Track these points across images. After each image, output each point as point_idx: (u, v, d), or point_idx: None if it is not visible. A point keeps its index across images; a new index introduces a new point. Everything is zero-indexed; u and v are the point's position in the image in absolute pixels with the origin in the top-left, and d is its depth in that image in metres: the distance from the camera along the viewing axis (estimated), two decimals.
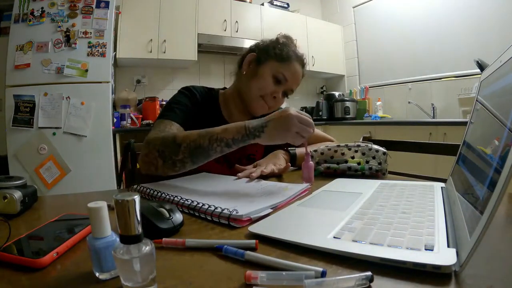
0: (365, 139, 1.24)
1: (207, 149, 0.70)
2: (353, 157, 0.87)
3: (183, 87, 0.98)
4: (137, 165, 0.85)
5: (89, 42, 2.14)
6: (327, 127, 3.36)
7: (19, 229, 0.46)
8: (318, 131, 1.10)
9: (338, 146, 0.90)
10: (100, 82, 2.16)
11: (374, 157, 0.85)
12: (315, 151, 0.91)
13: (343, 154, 0.89)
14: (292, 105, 4.25)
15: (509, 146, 0.28)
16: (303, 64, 0.97)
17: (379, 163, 0.83)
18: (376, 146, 0.86)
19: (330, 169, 0.87)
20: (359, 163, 0.85)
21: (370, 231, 0.40)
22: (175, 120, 0.85)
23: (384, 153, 0.84)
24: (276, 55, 0.93)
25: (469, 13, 2.63)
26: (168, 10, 2.77)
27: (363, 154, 0.86)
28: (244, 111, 0.99)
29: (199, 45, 2.93)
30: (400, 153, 1.10)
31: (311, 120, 0.73)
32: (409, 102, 3.04)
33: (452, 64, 2.77)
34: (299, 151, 0.99)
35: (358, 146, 0.88)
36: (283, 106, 0.96)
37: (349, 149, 0.88)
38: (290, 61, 0.92)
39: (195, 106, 0.93)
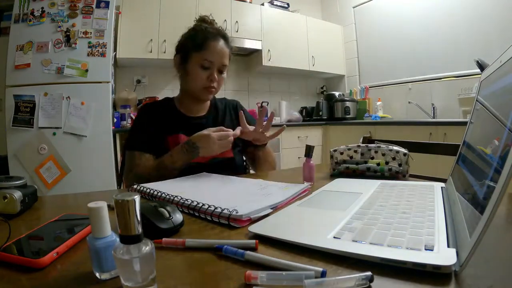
0: (365, 139, 1.23)
1: (170, 177, 0.85)
2: (372, 158, 0.86)
3: (139, 108, 1.10)
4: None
5: (89, 42, 2.14)
6: (327, 127, 3.36)
7: (19, 229, 0.46)
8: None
9: (358, 146, 0.88)
10: (100, 82, 2.16)
11: (394, 158, 0.83)
12: (335, 150, 0.90)
13: (362, 154, 0.87)
14: (292, 105, 4.24)
15: (509, 146, 0.28)
16: (224, 37, 1.01)
17: (399, 164, 0.81)
18: (396, 147, 0.84)
19: (349, 170, 0.86)
20: (378, 164, 0.83)
21: (370, 231, 0.40)
22: (137, 149, 0.98)
23: (405, 154, 0.81)
24: (193, 46, 0.98)
25: (469, 13, 2.63)
26: (168, 10, 2.77)
27: (383, 155, 0.84)
28: (197, 101, 1.07)
29: None
30: None
31: (228, 133, 0.87)
32: (409, 102, 3.04)
33: (452, 64, 2.77)
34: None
35: (379, 146, 0.86)
36: None
37: (369, 150, 0.87)
38: (207, 44, 0.97)
39: (154, 116, 1.03)
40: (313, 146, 0.78)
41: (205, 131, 0.86)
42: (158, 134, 0.99)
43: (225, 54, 1.00)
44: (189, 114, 1.07)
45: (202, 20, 1.05)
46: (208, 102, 1.13)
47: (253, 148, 1.11)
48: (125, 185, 0.97)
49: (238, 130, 0.91)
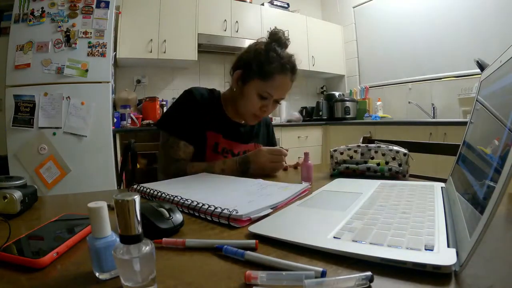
0: (365, 139, 1.23)
1: None
2: (372, 158, 0.86)
3: (185, 90, 1.01)
4: (137, 165, 0.90)
5: (89, 42, 2.14)
6: (327, 127, 3.36)
7: (19, 229, 0.46)
8: None
9: (358, 146, 0.89)
10: (100, 82, 2.16)
11: (394, 158, 0.83)
12: (335, 150, 0.91)
13: (362, 154, 0.87)
14: (292, 106, 4.23)
15: (509, 146, 0.28)
16: (292, 70, 0.94)
17: (399, 164, 0.81)
18: (396, 147, 0.84)
19: (349, 170, 0.86)
20: (378, 164, 0.83)
21: (370, 231, 0.40)
22: (180, 137, 0.94)
23: (405, 154, 0.81)
24: (259, 72, 0.92)
25: (469, 13, 2.63)
26: (168, 10, 2.77)
27: (383, 155, 0.84)
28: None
29: (199, 45, 2.93)
30: None
31: (281, 149, 0.91)
32: (409, 102, 3.04)
33: (452, 64, 2.77)
34: None
35: (379, 146, 0.86)
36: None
37: (369, 150, 0.87)
38: (274, 77, 0.91)
39: (197, 108, 0.98)
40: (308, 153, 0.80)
41: (261, 147, 0.91)
42: (199, 126, 0.97)
43: (286, 90, 0.96)
44: (232, 118, 1.04)
45: (276, 39, 0.94)
46: None
47: None
48: (166, 176, 0.90)
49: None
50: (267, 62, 0.91)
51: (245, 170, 0.89)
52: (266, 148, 0.90)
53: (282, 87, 0.94)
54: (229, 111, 1.04)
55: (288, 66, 0.93)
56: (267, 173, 0.89)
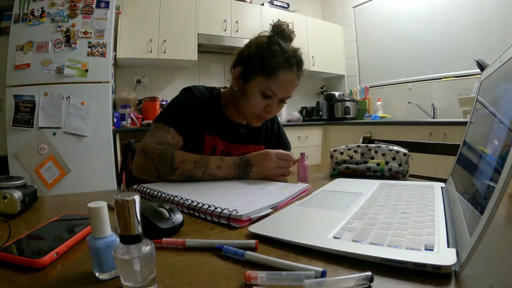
0: (365, 139, 1.23)
1: (199, 179, 0.78)
2: (372, 158, 0.86)
3: (184, 88, 0.96)
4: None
5: (89, 42, 2.14)
6: (327, 127, 3.36)
7: (19, 229, 0.46)
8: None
9: (358, 146, 0.88)
10: (100, 82, 2.16)
11: (394, 158, 0.83)
12: (335, 150, 0.90)
13: (362, 154, 0.87)
14: (293, 106, 4.22)
15: (509, 146, 0.28)
16: (298, 65, 0.85)
17: (399, 164, 0.81)
18: (396, 147, 0.84)
19: (349, 170, 0.86)
20: (378, 164, 0.83)
21: (370, 231, 0.40)
22: (170, 125, 0.86)
23: (405, 154, 0.81)
24: (261, 68, 0.83)
25: (469, 13, 2.63)
26: (168, 10, 2.77)
27: (383, 155, 0.84)
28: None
29: (199, 45, 2.92)
30: None
31: (289, 153, 0.81)
32: (409, 102, 3.04)
33: (452, 64, 2.77)
34: None
35: (379, 146, 0.86)
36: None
37: (369, 150, 0.87)
38: (278, 73, 0.82)
39: (196, 106, 0.92)
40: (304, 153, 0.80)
41: (264, 150, 0.80)
42: (197, 127, 0.89)
43: (294, 86, 0.87)
44: (233, 119, 0.97)
45: (279, 31, 0.86)
46: None
47: None
48: (137, 165, 0.81)
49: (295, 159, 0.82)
50: (270, 56, 0.82)
51: (246, 173, 0.79)
52: (274, 152, 0.79)
53: (287, 84, 0.84)
54: (229, 110, 0.97)
55: (294, 61, 0.84)
56: (269, 179, 0.78)
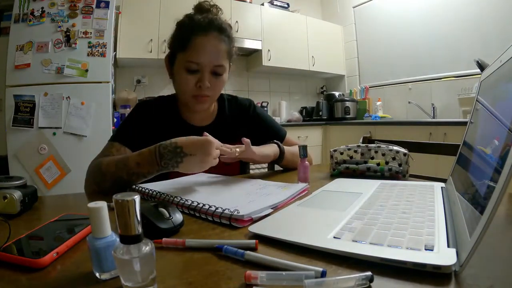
0: (365, 139, 1.23)
1: (128, 181, 0.69)
2: (372, 158, 0.86)
3: (137, 104, 0.94)
4: None
5: (89, 42, 2.14)
6: (327, 127, 3.36)
7: (19, 229, 0.46)
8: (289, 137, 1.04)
9: (358, 146, 0.88)
10: (100, 82, 2.16)
11: (394, 158, 0.83)
12: (335, 150, 0.90)
13: (362, 154, 0.87)
14: (292, 105, 4.23)
15: (509, 146, 0.28)
16: (218, 29, 0.80)
17: (399, 164, 0.81)
18: (396, 147, 0.84)
19: (349, 170, 0.86)
20: (378, 164, 0.83)
21: (370, 231, 0.40)
22: (117, 140, 0.84)
23: (405, 154, 0.81)
24: (178, 44, 0.81)
25: (469, 13, 2.63)
26: (168, 10, 2.77)
27: (383, 155, 0.84)
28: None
29: None
30: None
31: (232, 151, 0.73)
32: (409, 102, 3.04)
33: (452, 64, 2.77)
34: (288, 149, 0.95)
35: (379, 146, 0.86)
36: None
37: (369, 150, 0.87)
38: (191, 41, 0.78)
39: (150, 118, 0.88)
40: (306, 145, 0.76)
41: (204, 137, 0.67)
42: (153, 140, 0.73)
43: (218, 51, 0.80)
44: (192, 123, 0.91)
45: (198, 8, 0.85)
46: (214, 107, 0.95)
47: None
48: (85, 184, 0.78)
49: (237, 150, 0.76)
50: (182, 29, 0.81)
51: (173, 164, 0.65)
52: (217, 142, 0.70)
53: (206, 49, 0.78)
54: (185, 114, 0.91)
55: (204, 24, 0.79)
56: (195, 172, 0.67)
